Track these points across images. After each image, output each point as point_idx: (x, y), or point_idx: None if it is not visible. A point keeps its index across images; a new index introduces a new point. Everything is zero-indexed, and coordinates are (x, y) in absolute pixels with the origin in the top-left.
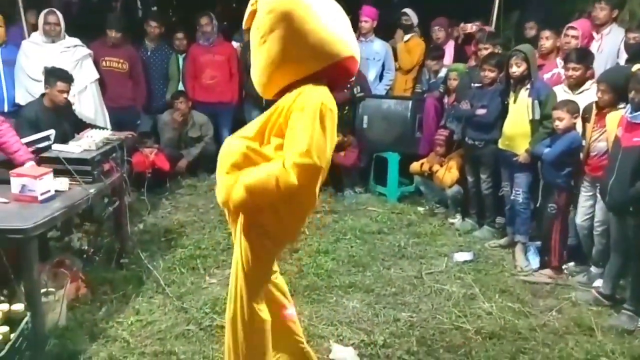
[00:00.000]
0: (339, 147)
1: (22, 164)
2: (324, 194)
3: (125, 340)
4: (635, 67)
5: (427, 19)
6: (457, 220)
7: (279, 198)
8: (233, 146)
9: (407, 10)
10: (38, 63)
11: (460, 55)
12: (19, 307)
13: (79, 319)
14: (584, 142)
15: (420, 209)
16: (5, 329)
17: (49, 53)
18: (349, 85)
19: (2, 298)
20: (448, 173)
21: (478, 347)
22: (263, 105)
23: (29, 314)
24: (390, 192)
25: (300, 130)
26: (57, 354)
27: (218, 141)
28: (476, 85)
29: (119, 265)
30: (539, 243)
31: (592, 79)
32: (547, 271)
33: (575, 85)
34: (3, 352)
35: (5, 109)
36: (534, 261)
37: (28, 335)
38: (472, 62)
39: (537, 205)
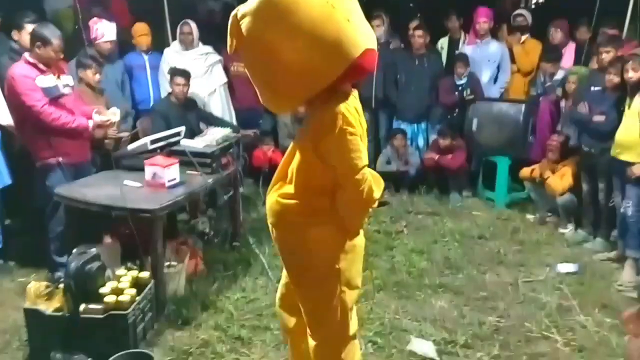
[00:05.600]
0: (446, 150)
1: (86, 128)
2: (428, 196)
3: (230, 313)
4: None
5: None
6: (567, 230)
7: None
8: (269, 205)
9: (522, 11)
10: None
11: (581, 59)
12: (145, 274)
13: (194, 290)
14: None
15: (529, 216)
16: (133, 291)
17: (185, 59)
18: (459, 88)
19: (134, 267)
20: (560, 180)
21: (564, 358)
22: (372, 106)
23: (153, 281)
24: (499, 197)
25: (338, 154)
26: (173, 318)
27: None
28: (596, 89)
29: (232, 247)
30: None
31: None
32: None
33: None
34: (129, 310)
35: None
36: None
37: (151, 299)
38: (594, 65)
39: None
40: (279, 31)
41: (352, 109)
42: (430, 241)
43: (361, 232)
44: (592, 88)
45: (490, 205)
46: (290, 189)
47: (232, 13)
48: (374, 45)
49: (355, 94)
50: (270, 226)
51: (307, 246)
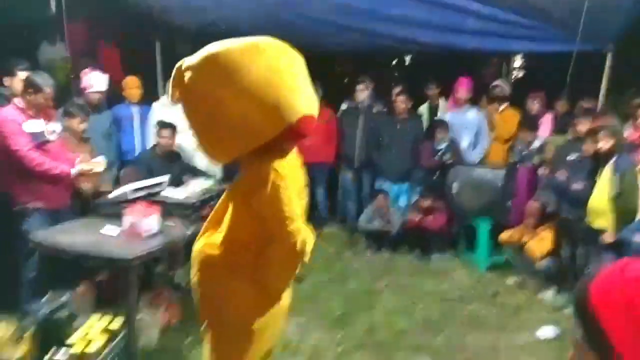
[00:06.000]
0: (427, 211)
1: (68, 175)
2: (410, 256)
3: None
4: None
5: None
6: (547, 295)
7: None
8: (195, 253)
9: (501, 82)
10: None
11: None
12: (117, 324)
13: (167, 343)
14: None
15: (510, 280)
16: (102, 341)
17: (172, 113)
18: (439, 152)
19: (107, 316)
20: (539, 245)
21: None
22: (355, 166)
23: (124, 331)
24: (479, 260)
25: (271, 207)
26: None
27: (314, 197)
28: (573, 158)
29: None
30: None
31: None
32: None
33: None
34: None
35: None
36: None
37: (120, 351)
38: (571, 135)
39: None
40: (222, 87)
41: (287, 165)
42: (411, 302)
43: (285, 296)
44: (569, 157)
45: (471, 268)
46: (218, 238)
47: (177, 64)
48: (313, 111)
49: (294, 151)
50: (192, 275)
51: (227, 301)
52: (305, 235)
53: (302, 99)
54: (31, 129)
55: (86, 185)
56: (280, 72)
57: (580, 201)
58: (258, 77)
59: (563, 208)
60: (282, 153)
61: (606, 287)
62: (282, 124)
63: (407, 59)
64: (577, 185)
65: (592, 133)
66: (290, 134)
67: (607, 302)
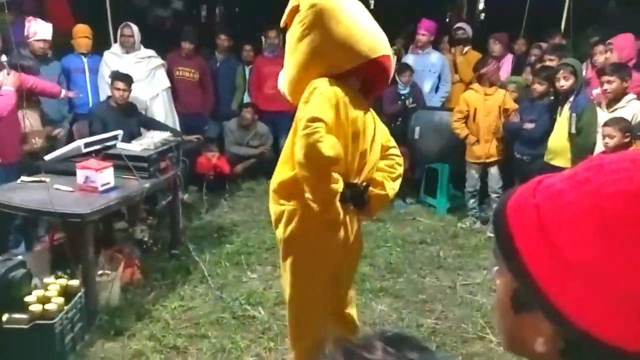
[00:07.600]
0: None
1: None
2: None
3: (166, 322)
4: None
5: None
6: None
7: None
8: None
9: (463, 25)
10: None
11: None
12: (74, 283)
13: (129, 300)
14: None
15: (469, 222)
16: (61, 300)
17: (125, 62)
18: (402, 97)
19: (64, 275)
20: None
21: (498, 358)
22: None
23: (83, 289)
24: (440, 203)
25: (304, 107)
26: (105, 328)
27: (278, 148)
28: (528, 98)
29: (171, 255)
30: None
31: (628, 94)
32: None
33: (613, 100)
34: (56, 319)
35: None
36: None
37: (81, 309)
38: (528, 76)
39: None
40: (325, 25)
41: (338, 92)
42: (373, 246)
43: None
44: (526, 98)
45: (432, 212)
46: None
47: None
48: (388, 52)
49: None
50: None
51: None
52: (322, 137)
53: (385, 39)
54: None
55: (38, 141)
56: (365, 13)
57: (533, 141)
58: (348, 22)
59: (517, 149)
60: (344, 84)
61: (520, 205)
62: (368, 53)
63: (372, 2)
64: (528, 125)
65: (541, 71)
66: (370, 70)
67: (520, 222)
